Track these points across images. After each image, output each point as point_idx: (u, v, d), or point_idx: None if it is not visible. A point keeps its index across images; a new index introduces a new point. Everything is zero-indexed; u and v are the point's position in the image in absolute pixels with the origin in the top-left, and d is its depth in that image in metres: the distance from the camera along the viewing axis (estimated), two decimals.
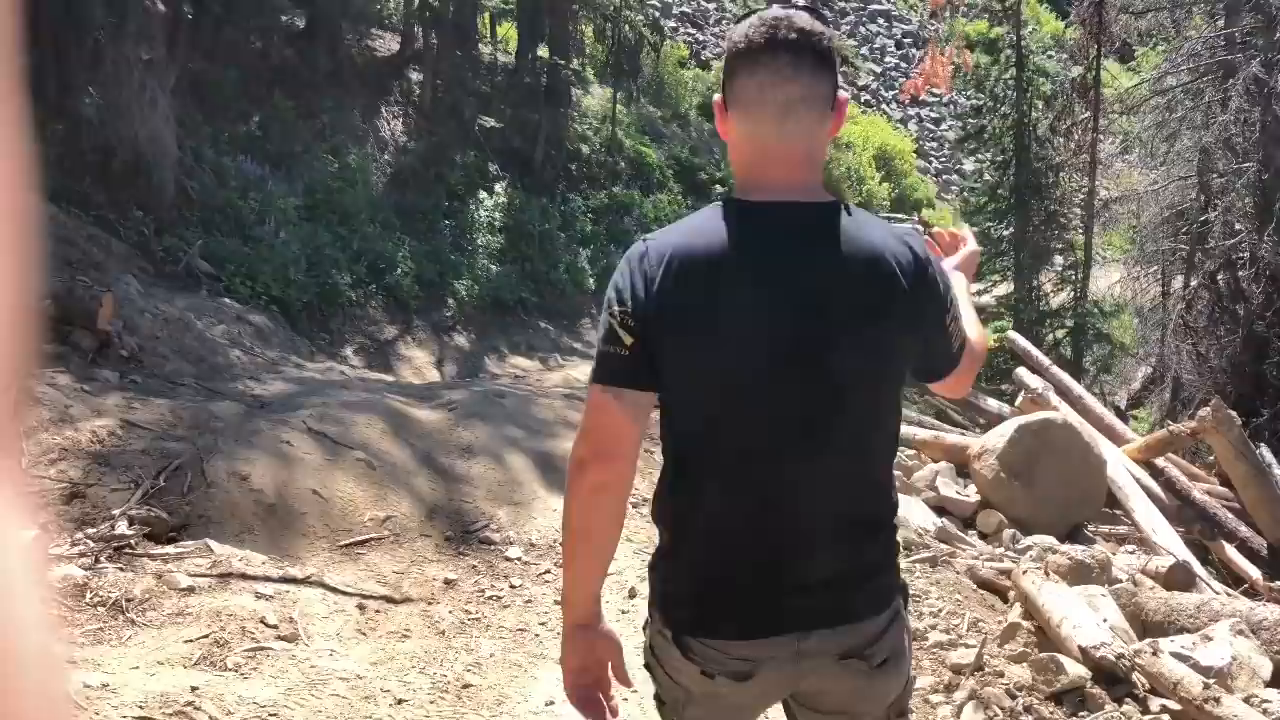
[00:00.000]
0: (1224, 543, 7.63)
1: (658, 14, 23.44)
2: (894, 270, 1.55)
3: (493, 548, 5.22)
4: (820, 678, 1.65)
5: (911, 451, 7.67)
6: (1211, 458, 8.53)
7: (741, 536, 1.63)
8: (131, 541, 4.42)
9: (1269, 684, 4.18)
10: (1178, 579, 5.87)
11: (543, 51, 16.33)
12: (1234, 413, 8.02)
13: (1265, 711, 3.73)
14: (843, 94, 1.65)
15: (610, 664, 1.78)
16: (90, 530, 4.37)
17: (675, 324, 1.54)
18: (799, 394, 1.56)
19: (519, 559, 5.12)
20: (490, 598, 4.69)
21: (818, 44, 1.54)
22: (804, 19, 1.54)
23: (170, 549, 4.47)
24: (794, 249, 1.56)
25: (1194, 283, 13.28)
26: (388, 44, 15.70)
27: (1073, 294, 15.74)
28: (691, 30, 26.65)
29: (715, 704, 1.72)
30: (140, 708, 3.15)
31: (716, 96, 1.64)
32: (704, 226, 1.58)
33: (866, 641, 1.63)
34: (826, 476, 1.60)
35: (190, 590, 4.08)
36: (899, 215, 20.42)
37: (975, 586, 5.37)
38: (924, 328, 1.62)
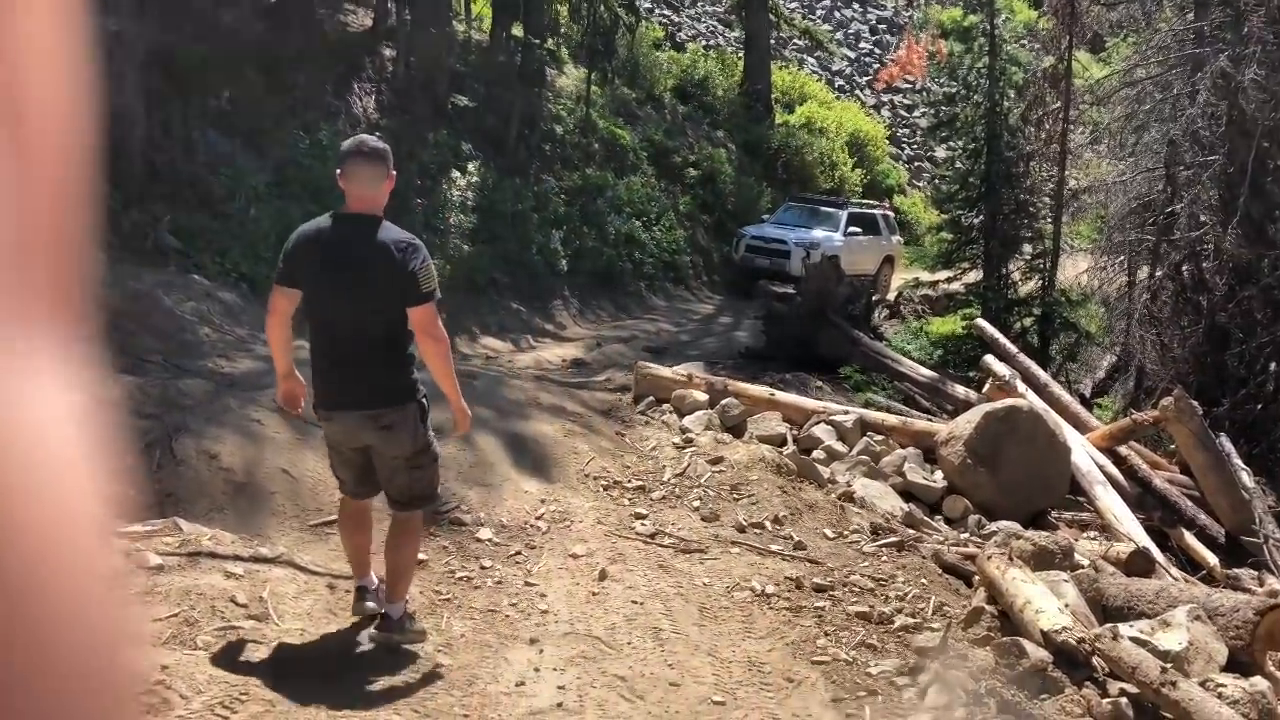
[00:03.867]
0: (1183, 530, 7.78)
1: None
2: (390, 248, 3.53)
3: (463, 529, 5.23)
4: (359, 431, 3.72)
5: (880, 437, 7.75)
6: (1173, 446, 8.68)
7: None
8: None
9: (1224, 669, 4.29)
10: (1138, 565, 5.99)
11: (517, 30, 16.20)
12: (1195, 402, 8.16)
13: (1220, 695, 3.82)
14: (392, 173, 3.69)
15: (299, 393, 3.84)
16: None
17: None
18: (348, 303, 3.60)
19: (489, 540, 5.14)
20: (461, 579, 4.71)
21: (376, 149, 3.69)
22: (371, 140, 3.80)
23: (139, 527, 4.44)
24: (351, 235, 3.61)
25: (1159, 273, 13.45)
26: (360, 20, 15.52)
27: (1041, 282, 15.88)
28: (667, 12, 26.54)
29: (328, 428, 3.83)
30: None
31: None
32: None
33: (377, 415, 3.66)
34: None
35: (159, 569, 4.06)
36: (870, 200, 20.49)
37: (941, 571, 5.46)
38: (399, 277, 3.52)
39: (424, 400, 3.79)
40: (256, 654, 3.67)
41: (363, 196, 3.61)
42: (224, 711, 3.23)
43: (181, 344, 7.44)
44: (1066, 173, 15.69)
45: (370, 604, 3.96)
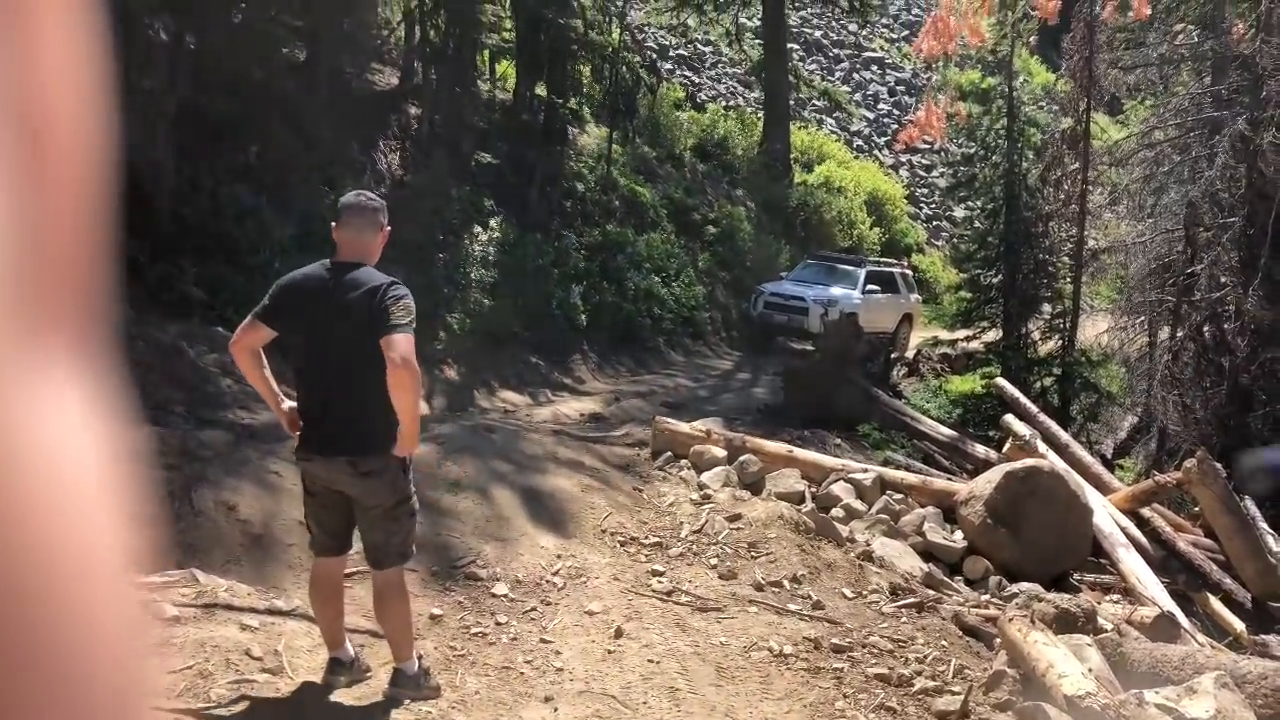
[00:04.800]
0: (1209, 594, 7.65)
1: (655, 56, 23.77)
2: (367, 287, 3.57)
3: (479, 584, 5.20)
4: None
5: (899, 496, 7.69)
6: (1197, 509, 8.57)
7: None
8: None
9: None
10: (1163, 630, 5.88)
11: (540, 90, 16.48)
12: (1219, 465, 8.07)
13: None
14: (386, 227, 3.82)
15: (292, 419, 3.78)
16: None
17: None
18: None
19: (505, 595, 5.11)
20: (476, 634, 4.68)
21: (367, 203, 3.81)
22: (366, 195, 3.87)
23: (156, 578, 4.44)
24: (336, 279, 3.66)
25: (1180, 334, 13.39)
26: (387, 78, 15.83)
27: (1061, 342, 15.83)
28: (688, 73, 26.95)
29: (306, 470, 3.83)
30: None
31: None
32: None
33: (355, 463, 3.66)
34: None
35: (176, 620, 4.06)
36: (888, 259, 20.54)
37: (961, 633, 5.38)
38: (374, 312, 3.51)
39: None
40: (270, 708, 3.64)
41: (353, 244, 3.70)
42: None
43: (203, 395, 7.50)
44: (1086, 233, 15.73)
45: (341, 678, 3.90)
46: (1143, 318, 14.26)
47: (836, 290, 16.80)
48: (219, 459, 5.75)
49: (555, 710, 3.99)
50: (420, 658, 3.99)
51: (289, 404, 3.78)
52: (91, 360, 0.38)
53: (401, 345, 3.42)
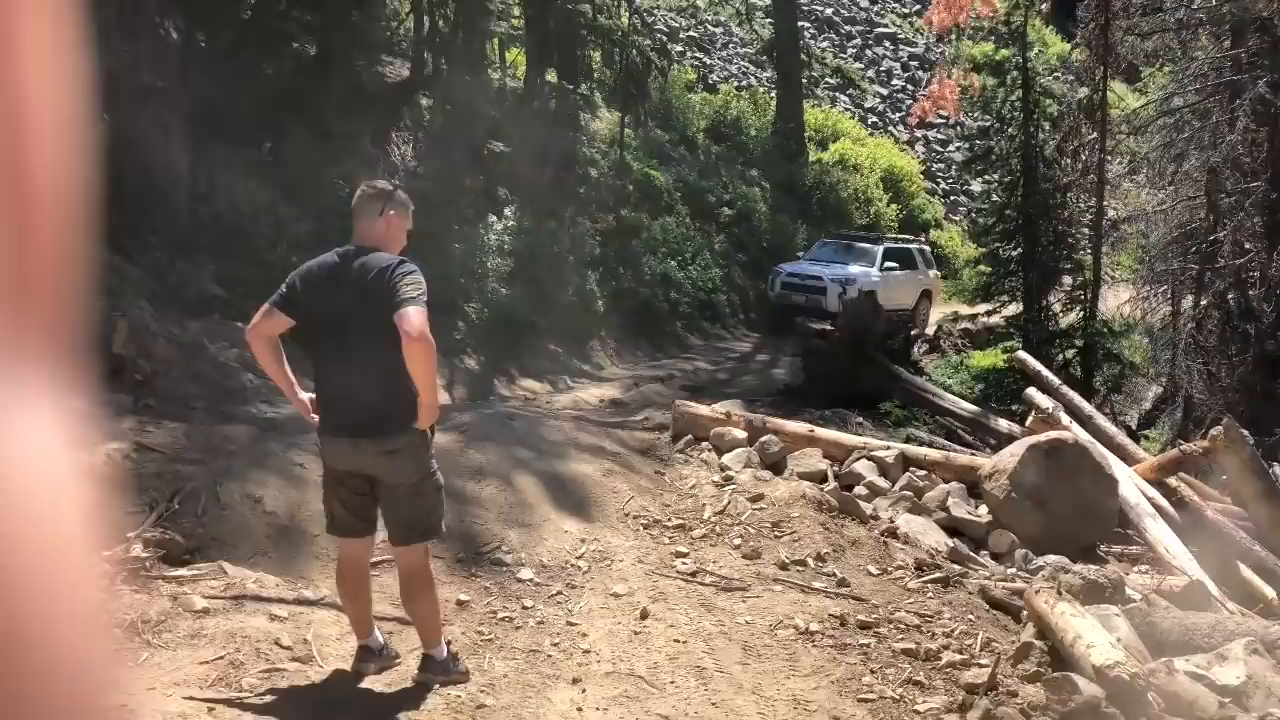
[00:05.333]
0: (1238, 562, 7.59)
1: (665, 39, 23.65)
2: (378, 267, 3.59)
3: (504, 569, 5.23)
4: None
5: (922, 472, 7.66)
6: (1224, 477, 8.49)
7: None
8: (146, 564, 4.44)
9: None
10: (1192, 598, 5.84)
11: (551, 76, 16.45)
12: (1246, 432, 7.99)
13: None
14: (390, 212, 3.79)
15: (308, 407, 3.82)
16: (105, 553, 4.39)
17: None
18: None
19: (530, 580, 5.13)
20: (503, 619, 4.70)
21: (370, 189, 3.86)
22: (374, 183, 3.93)
23: (185, 571, 4.49)
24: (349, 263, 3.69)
25: (1204, 302, 13.26)
26: (398, 70, 15.83)
27: (1082, 314, 15.71)
28: (699, 55, 26.82)
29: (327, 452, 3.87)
30: None
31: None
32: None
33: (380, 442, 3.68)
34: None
35: (205, 612, 4.10)
36: (905, 235, 20.41)
37: (988, 606, 5.36)
38: (385, 290, 3.52)
39: (429, 428, 3.77)
40: (301, 696, 3.68)
41: (363, 230, 3.75)
42: None
43: (225, 390, 7.56)
44: (1105, 203, 15.58)
45: (371, 665, 3.92)
46: (1165, 286, 14.13)
47: (854, 268, 16.72)
48: (243, 453, 5.80)
49: (583, 691, 4.01)
50: (448, 643, 4.02)
51: (305, 394, 3.80)
52: (64, 378, 0.39)
53: (414, 318, 3.42)
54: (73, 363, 0.39)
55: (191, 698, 3.44)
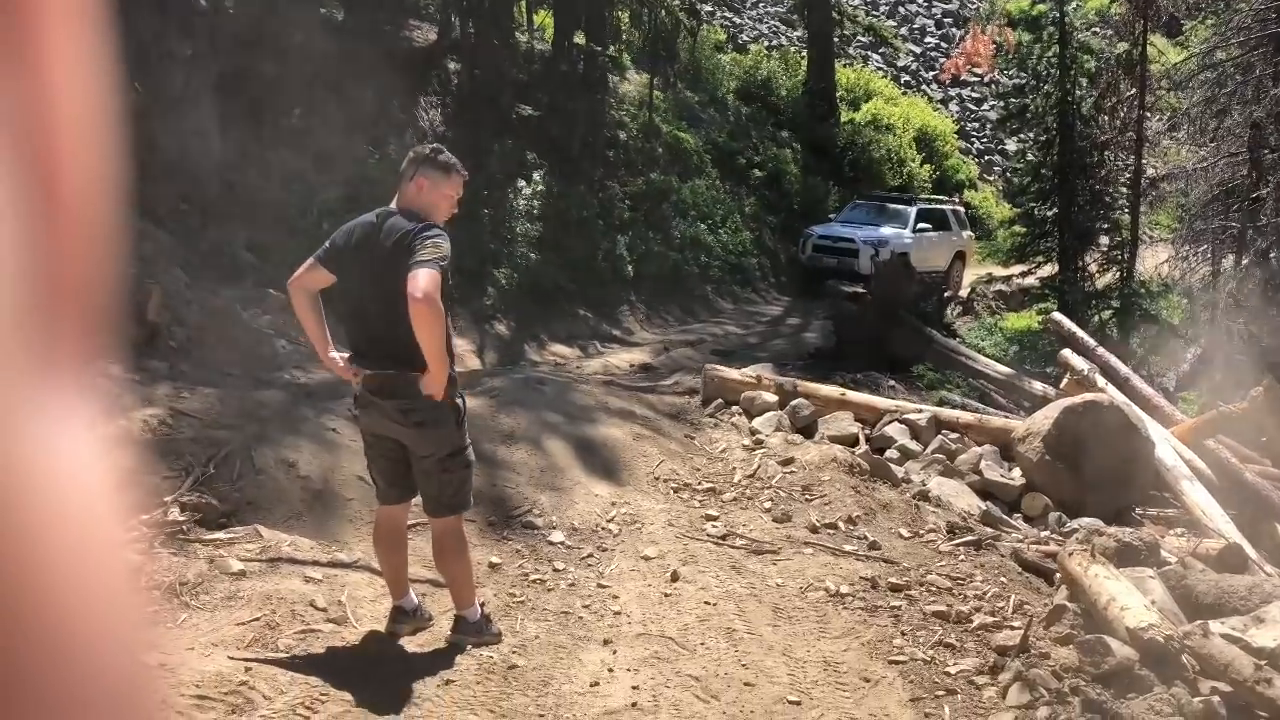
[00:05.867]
0: (1277, 524, 7.49)
1: None
2: (405, 231, 3.60)
3: (535, 532, 5.27)
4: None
5: (955, 435, 7.61)
6: (1264, 439, 8.36)
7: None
8: (184, 527, 4.51)
9: None
10: (1229, 561, 5.77)
11: (579, 38, 16.31)
12: None
13: None
14: (419, 176, 3.78)
15: (339, 364, 3.81)
16: (143, 516, 4.46)
17: None
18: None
19: (561, 543, 5.16)
20: (534, 581, 4.74)
21: (410, 155, 3.86)
22: (421, 147, 3.93)
23: (221, 534, 4.56)
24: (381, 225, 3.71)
25: (1245, 261, 13.01)
26: (425, 34, 15.76)
27: (1119, 274, 15.48)
28: (729, 14, 26.48)
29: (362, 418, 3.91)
30: (197, 687, 3.22)
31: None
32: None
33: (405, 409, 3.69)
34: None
35: (241, 574, 4.16)
36: (938, 196, 20.14)
37: (1020, 569, 5.34)
38: (406, 251, 3.52)
39: (460, 402, 3.77)
40: (336, 656, 3.74)
41: (401, 194, 3.77)
42: (305, 712, 3.29)
43: (259, 356, 7.63)
44: (1143, 161, 15.28)
45: (405, 626, 3.97)
46: (1205, 245, 13.88)
47: (887, 230, 16.53)
48: (277, 418, 5.86)
49: (614, 653, 4.04)
50: (481, 605, 4.06)
51: (335, 352, 3.81)
52: (100, 346, 0.39)
53: (422, 280, 3.38)
54: (108, 331, 0.39)
55: (231, 658, 3.50)
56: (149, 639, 0.37)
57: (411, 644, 3.96)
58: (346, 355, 3.79)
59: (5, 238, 0.34)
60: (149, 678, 0.39)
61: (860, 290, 12.28)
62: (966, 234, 18.71)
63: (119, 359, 6.09)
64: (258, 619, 3.85)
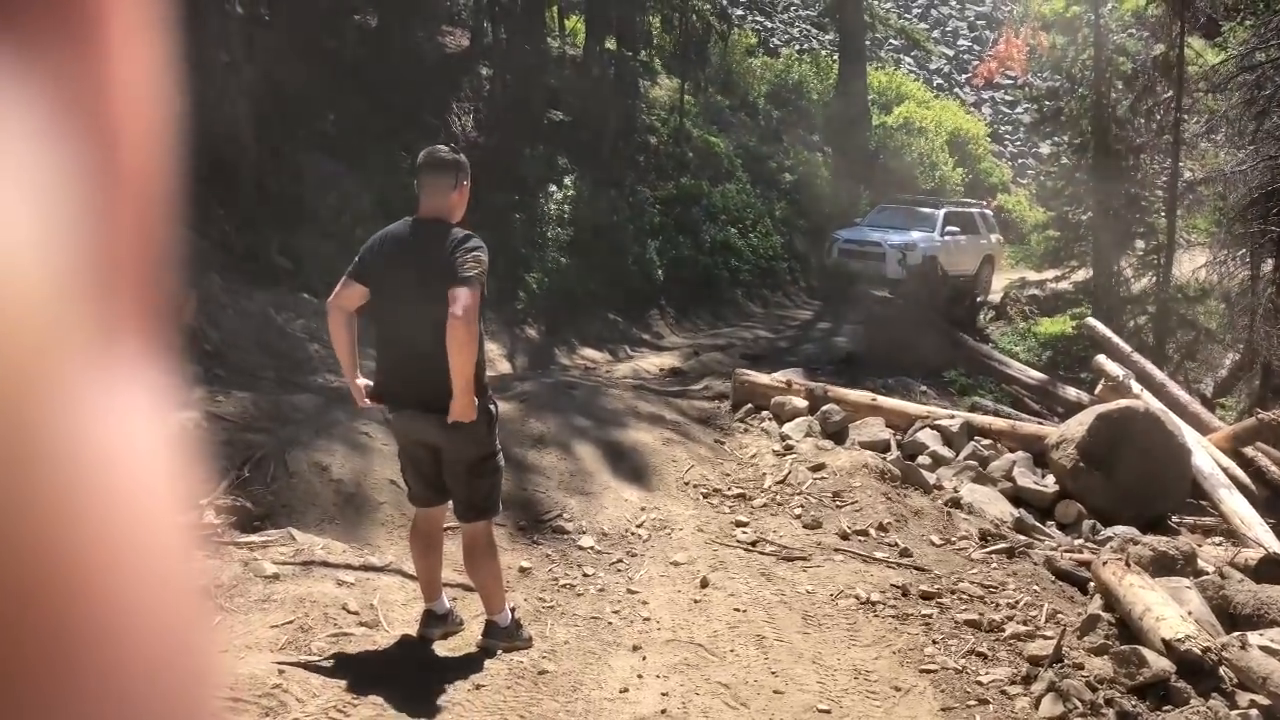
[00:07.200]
0: None
1: (725, 2, 23.33)
2: (445, 242, 3.58)
3: (565, 537, 5.28)
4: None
5: (987, 441, 7.54)
6: None
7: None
8: (219, 530, 4.57)
9: None
10: (1268, 572, 5.69)
11: (610, 43, 16.36)
12: None
13: None
14: (464, 184, 3.78)
15: (362, 392, 3.81)
16: (179, 519, 4.51)
17: None
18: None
19: (591, 548, 5.17)
20: (564, 586, 4.75)
21: (442, 160, 3.75)
22: (440, 150, 3.81)
23: (256, 537, 4.61)
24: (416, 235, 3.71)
25: None
26: (457, 40, 15.87)
27: (1155, 279, 15.28)
28: (760, 18, 26.45)
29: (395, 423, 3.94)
30: (230, 690, 3.26)
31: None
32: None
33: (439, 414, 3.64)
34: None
35: (275, 577, 4.21)
36: (967, 199, 19.96)
37: (1054, 578, 5.28)
38: (448, 265, 3.51)
39: (492, 408, 3.76)
40: (368, 659, 3.77)
41: (430, 204, 3.71)
42: (337, 715, 3.32)
43: (292, 361, 7.71)
44: (1180, 164, 15.08)
45: (436, 630, 4.00)
46: (1244, 250, 13.65)
47: (915, 233, 16.38)
48: (310, 422, 5.91)
49: (644, 659, 4.05)
50: (512, 610, 4.08)
51: (364, 381, 3.81)
52: (154, 360, 0.39)
53: (464, 298, 3.41)
54: (157, 335, 0.40)
55: (271, 661, 3.54)
56: (208, 640, 0.37)
57: (443, 648, 3.98)
58: (370, 384, 3.80)
59: (78, 230, 0.35)
60: (207, 676, 0.40)
61: (888, 294, 12.21)
62: (995, 237, 18.51)
63: (160, 363, 6.17)
64: (291, 622, 3.89)
